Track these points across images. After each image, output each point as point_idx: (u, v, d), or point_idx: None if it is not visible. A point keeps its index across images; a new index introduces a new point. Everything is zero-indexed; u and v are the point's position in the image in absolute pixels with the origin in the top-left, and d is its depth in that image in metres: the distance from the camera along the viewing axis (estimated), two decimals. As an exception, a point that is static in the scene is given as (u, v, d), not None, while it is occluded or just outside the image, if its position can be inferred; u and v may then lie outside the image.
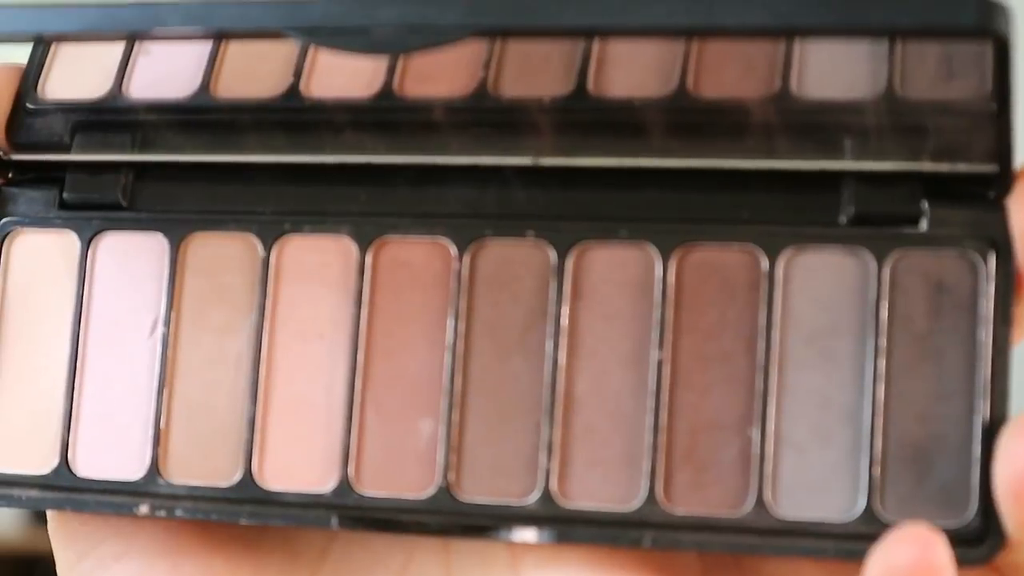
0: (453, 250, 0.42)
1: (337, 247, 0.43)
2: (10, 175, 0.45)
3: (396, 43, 0.36)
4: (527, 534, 0.41)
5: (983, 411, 0.39)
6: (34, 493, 0.44)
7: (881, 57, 0.41)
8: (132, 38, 0.43)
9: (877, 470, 0.39)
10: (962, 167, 0.40)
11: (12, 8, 0.39)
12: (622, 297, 0.41)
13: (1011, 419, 0.38)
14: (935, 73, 0.41)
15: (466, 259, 0.42)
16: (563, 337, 0.41)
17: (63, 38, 0.43)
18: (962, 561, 0.38)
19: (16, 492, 0.44)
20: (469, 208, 0.43)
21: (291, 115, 0.44)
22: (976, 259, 0.40)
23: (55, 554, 0.45)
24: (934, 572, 0.35)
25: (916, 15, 0.34)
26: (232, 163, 0.44)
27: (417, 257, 0.43)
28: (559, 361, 0.41)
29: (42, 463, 0.44)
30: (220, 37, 0.39)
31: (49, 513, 0.45)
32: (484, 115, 0.43)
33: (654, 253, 0.41)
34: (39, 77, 0.46)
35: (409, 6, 0.36)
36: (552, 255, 0.42)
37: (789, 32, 0.35)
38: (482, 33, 0.36)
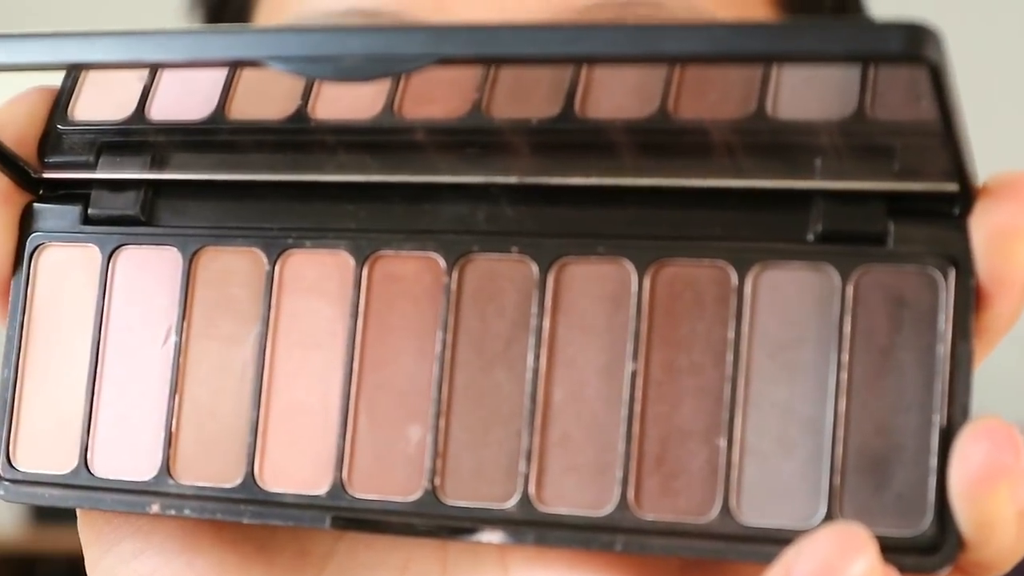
0: (443, 265, 0.44)
1: (335, 261, 0.45)
2: (40, 192, 0.48)
3: (363, 71, 0.38)
4: (506, 537, 0.43)
5: (940, 424, 0.40)
6: (56, 492, 0.47)
7: (854, 78, 0.43)
8: (129, 67, 0.45)
9: (837, 479, 0.41)
10: (924, 186, 0.41)
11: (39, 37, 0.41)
12: (599, 310, 0.43)
13: (966, 423, 0.40)
14: (905, 94, 0.42)
15: (455, 274, 0.44)
16: (543, 348, 0.43)
17: (77, 67, 0.45)
18: (918, 569, 0.40)
19: (40, 491, 0.47)
20: (460, 225, 0.45)
21: (297, 136, 0.46)
22: (936, 275, 0.41)
23: (84, 550, 0.48)
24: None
25: (846, 42, 0.35)
26: (242, 181, 0.47)
27: (409, 271, 0.45)
28: (539, 372, 0.43)
29: (64, 463, 0.47)
30: (200, 66, 0.42)
31: (78, 512, 0.48)
32: (476, 136, 0.45)
33: (630, 268, 0.43)
34: (69, 99, 0.49)
35: (375, 36, 0.38)
36: (535, 270, 0.44)
37: (726, 59, 0.36)
38: (443, 62, 0.38)
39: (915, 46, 0.35)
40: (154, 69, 0.47)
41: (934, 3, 1.07)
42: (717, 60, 0.36)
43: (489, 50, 0.38)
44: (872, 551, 0.38)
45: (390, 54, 0.38)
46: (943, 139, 0.39)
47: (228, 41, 0.39)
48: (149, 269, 0.47)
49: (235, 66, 0.44)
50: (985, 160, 0.43)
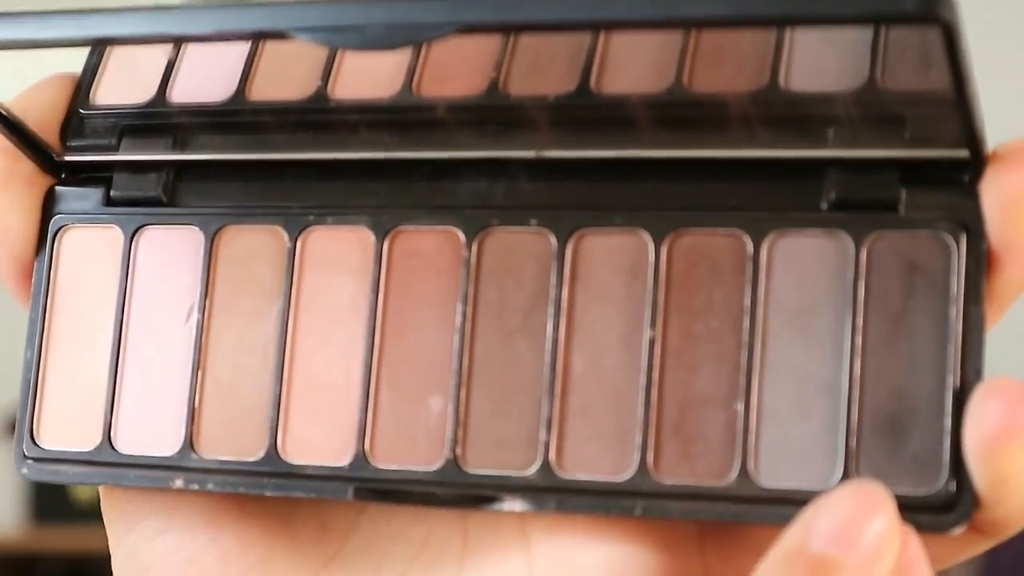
0: (462, 238, 0.45)
1: (356, 237, 0.46)
2: (63, 175, 0.49)
3: (386, 39, 0.39)
4: (526, 504, 0.43)
5: (953, 385, 0.41)
6: (80, 469, 0.47)
7: (865, 49, 0.43)
8: (154, 41, 0.46)
9: (853, 441, 0.41)
10: (935, 153, 0.42)
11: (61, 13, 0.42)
12: (617, 280, 0.44)
13: (980, 383, 0.40)
14: (915, 64, 0.43)
15: (474, 247, 0.45)
16: (562, 319, 0.44)
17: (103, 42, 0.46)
18: (934, 527, 0.40)
19: (64, 468, 0.47)
20: (479, 199, 0.45)
21: (318, 115, 0.47)
22: (948, 240, 0.41)
23: (107, 529, 0.48)
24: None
25: (860, 4, 0.36)
26: (263, 161, 0.47)
27: (429, 245, 0.45)
28: (559, 341, 0.44)
29: (88, 441, 0.47)
30: (224, 39, 0.42)
31: (100, 490, 0.49)
32: (494, 112, 0.46)
33: (647, 239, 0.44)
34: (91, 84, 0.49)
35: (398, 5, 0.39)
36: (553, 242, 0.44)
37: (742, 23, 0.37)
38: (465, 30, 0.39)
39: (929, 6, 0.36)
40: (178, 46, 0.48)
41: None
42: (733, 24, 0.37)
43: (511, 17, 0.38)
44: (891, 508, 0.38)
45: (413, 22, 0.39)
46: (955, 103, 0.39)
47: (253, 14, 0.40)
48: (171, 248, 0.48)
49: (260, 38, 0.45)
50: (994, 130, 0.43)
